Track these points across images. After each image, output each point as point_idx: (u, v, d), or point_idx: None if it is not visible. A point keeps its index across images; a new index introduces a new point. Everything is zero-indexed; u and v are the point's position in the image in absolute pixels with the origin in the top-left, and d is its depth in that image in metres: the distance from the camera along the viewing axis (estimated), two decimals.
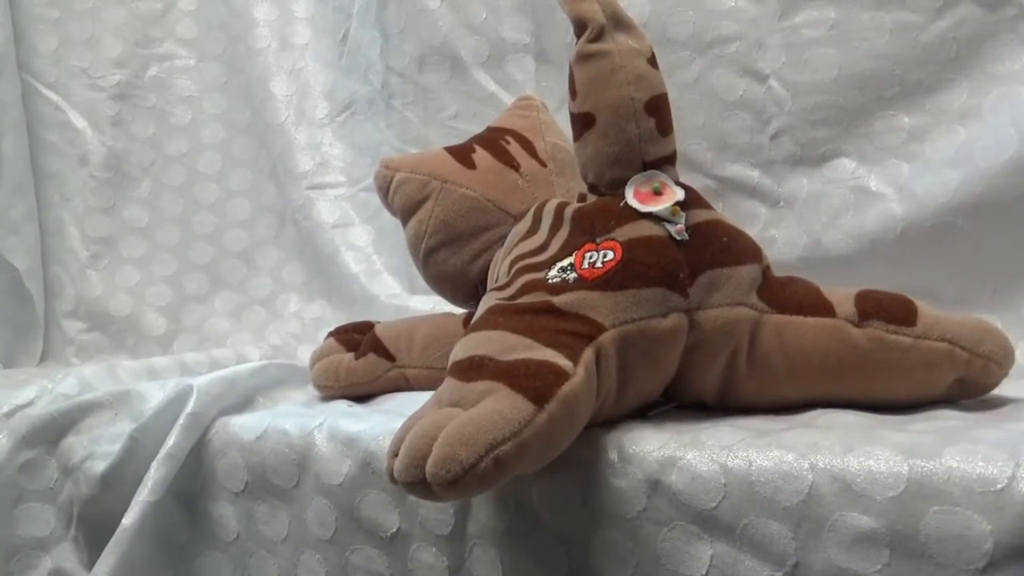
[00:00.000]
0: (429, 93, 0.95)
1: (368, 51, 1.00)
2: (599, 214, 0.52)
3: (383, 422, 0.55)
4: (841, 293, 0.51)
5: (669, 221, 0.50)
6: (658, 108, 0.53)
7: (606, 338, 0.47)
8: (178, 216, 1.09)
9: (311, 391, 0.72)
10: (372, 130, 1.01)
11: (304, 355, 0.84)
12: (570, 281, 0.49)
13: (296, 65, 1.07)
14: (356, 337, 0.72)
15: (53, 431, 0.65)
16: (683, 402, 0.54)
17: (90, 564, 0.62)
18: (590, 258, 0.50)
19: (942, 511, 0.37)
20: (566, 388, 0.43)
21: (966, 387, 0.50)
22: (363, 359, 0.69)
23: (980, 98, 0.70)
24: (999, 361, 0.49)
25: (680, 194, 0.52)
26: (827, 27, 0.75)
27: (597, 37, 0.52)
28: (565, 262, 0.51)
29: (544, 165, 0.71)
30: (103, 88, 1.10)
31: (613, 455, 0.46)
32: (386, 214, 0.75)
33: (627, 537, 0.44)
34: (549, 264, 0.52)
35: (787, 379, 0.50)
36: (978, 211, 0.68)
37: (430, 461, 0.39)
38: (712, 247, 0.50)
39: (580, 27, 0.53)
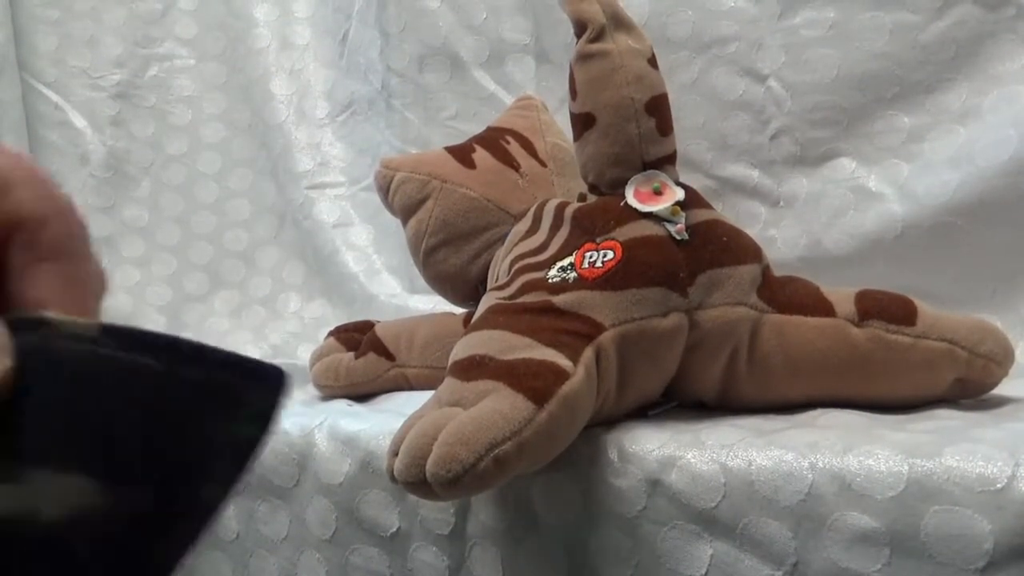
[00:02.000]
0: (429, 93, 0.95)
1: (368, 51, 1.00)
2: (599, 214, 0.52)
3: (383, 422, 0.55)
4: (841, 293, 0.51)
5: (669, 221, 0.50)
6: (658, 108, 0.53)
7: (606, 338, 0.47)
8: (178, 216, 1.09)
9: (311, 390, 0.72)
10: (372, 130, 1.01)
11: (304, 354, 0.84)
12: (570, 281, 0.49)
13: (296, 65, 1.07)
14: (356, 336, 0.72)
15: None
16: (683, 402, 0.54)
17: None
18: (590, 258, 0.50)
19: (942, 510, 0.37)
20: (566, 388, 0.43)
21: (966, 387, 0.50)
22: (363, 358, 0.69)
23: (980, 98, 0.70)
24: (999, 361, 0.49)
25: (680, 194, 0.52)
26: (826, 27, 0.75)
27: (597, 37, 0.52)
28: (565, 262, 0.51)
29: (544, 165, 0.71)
30: (103, 88, 1.10)
31: (613, 455, 0.46)
32: (386, 214, 0.75)
33: (627, 536, 0.44)
34: (549, 264, 0.52)
35: (787, 378, 0.50)
36: (978, 211, 0.68)
37: (430, 460, 0.39)
38: (712, 247, 0.50)
39: (580, 27, 0.53)
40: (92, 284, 0.20)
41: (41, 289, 0.19)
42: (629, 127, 0.52)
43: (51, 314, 0.19)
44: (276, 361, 0.74)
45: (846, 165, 0.75)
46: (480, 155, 0.70)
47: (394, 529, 0.52)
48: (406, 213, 0.70)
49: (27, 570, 0.17)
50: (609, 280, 0.48)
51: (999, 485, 0.36)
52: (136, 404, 0.18)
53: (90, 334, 0.18)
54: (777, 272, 0.53)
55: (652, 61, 0.54)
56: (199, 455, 0.18)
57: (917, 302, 0.50)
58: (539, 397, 0.42)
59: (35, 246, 0.20)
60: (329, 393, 0.70)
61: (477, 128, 0.77)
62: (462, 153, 0.71)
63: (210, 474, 0.18)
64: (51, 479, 0.17)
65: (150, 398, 0.18)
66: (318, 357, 0.71)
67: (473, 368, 0.45)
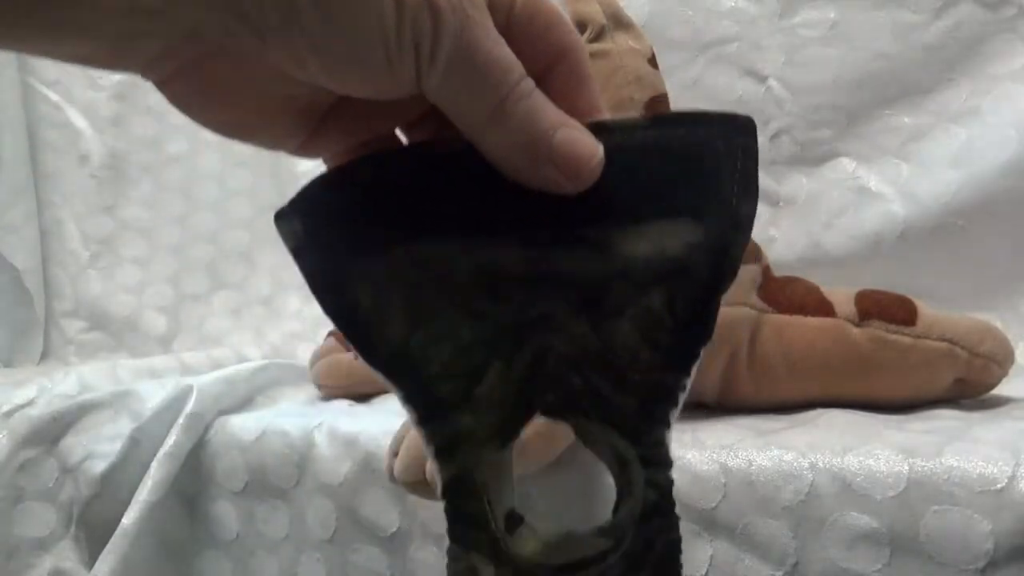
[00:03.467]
0: None
1: None
2: None
3: (383, 422, 0.55)
4: (841, 293, 0.51)
5: None
6: (658, 108, 0.53)
7: None
8: (178, 216, 1.08)
9: (311, 390, 0.72)
10: None
11: (304, 354, 0.84)
12: None
13: None
14: None
15: (53, 431, 0.65)
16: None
17: (90, 564, 0.62)
18: None
19: (942, 511, 0.37)
20: None
21: (966, 387, 0.50)
22: None
23: (980, 98, 0.70)
24: (999, 361, 0.49)
25: None
26: (827, 27, 0.75)
27: (597, 37, 0.52)
28: None
29: None
30: (103, 87, 1.10)
31: None
32: None
33: None
34: None
35: (787, 379, 0.50)
36: (978, 211, 0.68)
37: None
38: None
39: (580, 27, 0.53)
40: None
41: (590, 104, 0.25)
42: None
43: (606, 118, 0.25)
44: (276, 361, 0.74)
45: (846, 165, 0.76)
46: None
47: (394, 529, 0.52)
48: None
49: (653, 282, 0.25)
50: None
51: (999, 485, 0.36)
52: (689, 162, 0.24)
53: (641, 124, 0.25)
54: (777, 272, 0.53)
55: (652, 61, 0.54)
56: (734, 187, 0.25)
57: (917, 302, 0.50)
58: None
59: (578, 72, 0.25)
60: (329, 393, 0.70)
61: None
62: None
63: (744, 197, 0.25)
64: (668, 224, 0.24)
65: (694, 157, 0.25)
66: (318, 357, 0.71)
67: None
